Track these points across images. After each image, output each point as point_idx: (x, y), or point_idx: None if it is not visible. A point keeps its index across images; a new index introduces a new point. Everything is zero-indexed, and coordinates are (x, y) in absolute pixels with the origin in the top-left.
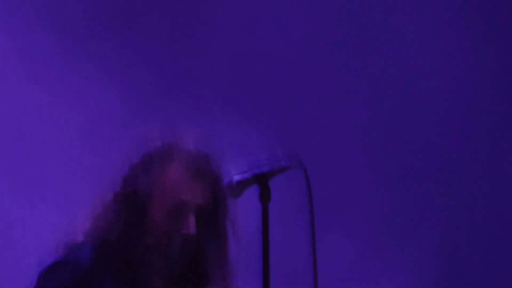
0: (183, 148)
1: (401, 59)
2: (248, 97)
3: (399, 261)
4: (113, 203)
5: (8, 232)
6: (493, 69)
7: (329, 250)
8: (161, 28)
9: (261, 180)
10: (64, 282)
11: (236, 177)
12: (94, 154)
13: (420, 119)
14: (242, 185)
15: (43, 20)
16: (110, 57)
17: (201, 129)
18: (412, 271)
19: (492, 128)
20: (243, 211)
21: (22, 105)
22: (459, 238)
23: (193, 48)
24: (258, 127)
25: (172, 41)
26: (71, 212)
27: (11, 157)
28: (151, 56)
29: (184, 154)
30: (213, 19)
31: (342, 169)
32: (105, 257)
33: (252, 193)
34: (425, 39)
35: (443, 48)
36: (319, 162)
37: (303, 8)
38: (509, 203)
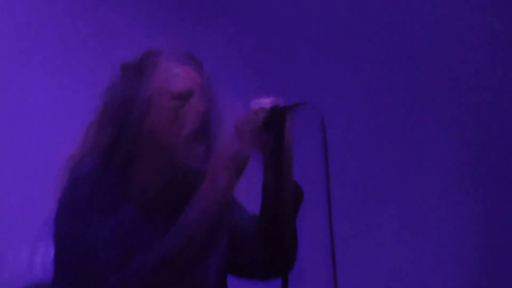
0: (167, 52)
1: None
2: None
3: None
4: (106, 115)
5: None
6: None
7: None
8: None
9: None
10: (88, 193)
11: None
12: None
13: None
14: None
15: None
16: None
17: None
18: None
19: None
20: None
21: None
22: None
23: None
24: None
25: None
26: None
27: None
28: None
29: (170, 54)
30: None
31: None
32: (107, 168)
33: None
34: None
35: None
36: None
37: None
38: None
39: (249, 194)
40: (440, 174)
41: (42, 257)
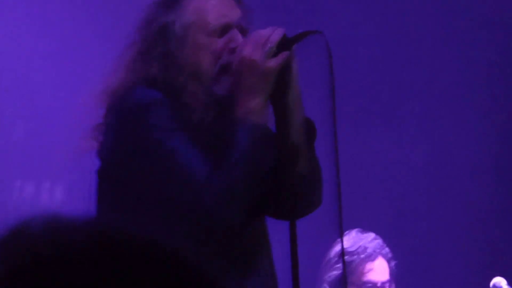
0: None
1: None
2: None
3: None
4: (147, 47)
5: None
6: None
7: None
8: None
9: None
10: (169, 115)
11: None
12: None
13: None
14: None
15: None
16: None
17: None
18: None
19: None
20: None
21: None
22: None
23: None
24: None
25: None
26: None
27: None
28: None
29: None
30: None
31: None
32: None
33: None
34: None
35: None
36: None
37: None
38: None
39: None
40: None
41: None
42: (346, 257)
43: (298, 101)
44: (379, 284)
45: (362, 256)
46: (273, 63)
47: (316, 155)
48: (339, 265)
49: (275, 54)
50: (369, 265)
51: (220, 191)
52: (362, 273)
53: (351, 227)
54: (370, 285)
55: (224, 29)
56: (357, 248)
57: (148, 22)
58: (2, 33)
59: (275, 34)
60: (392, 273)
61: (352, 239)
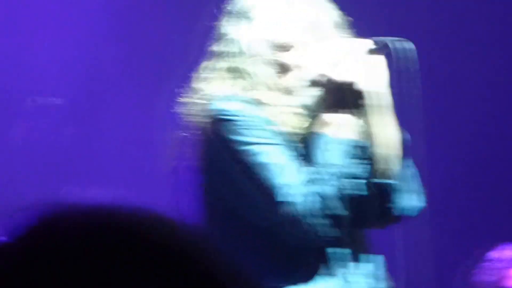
0: None
1: None
2: None
3: None
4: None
5: None
6: None
7: None
8: None
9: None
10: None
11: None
12: None
13: None
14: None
15: None
16: None
17: None
18: None
19: None
20: None
21: None
22: None
23: None
24: None
25: None
26: None
27: None
28: None
29: None
30: None
31: None
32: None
33: None
34: None
35: None
36: None
37: None
38: None
39: None
40: None
41: None
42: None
43: (389, 110)
44: None
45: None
46: (358, 76)
47: (409, 162)
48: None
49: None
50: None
51: (311, 206)
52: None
53: None
54: None
55: (295, 43)
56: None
57: (222, 36)
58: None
59: (360, 46)
60: None
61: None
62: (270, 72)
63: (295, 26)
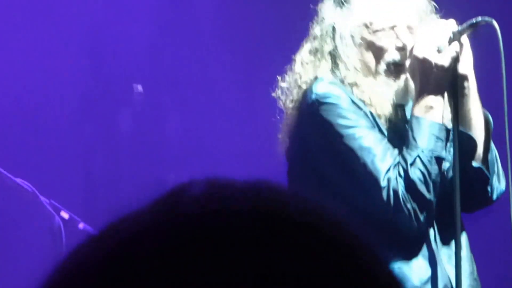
0: None
1: None
2: None
3: None
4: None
5: None
6: None
7: None
8: None
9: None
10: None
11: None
12: None
13: None
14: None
15: None
16: None
17: None
18: None
19: None
20: None
21: None
22: None
23: None
24: None
25: None
26: None
27: None
28: None
29: None
30: None
31: None
32: None
33: None
34: None
35: None
36: None
37: None
38: None
39: None
40: None
41: None
42: None
43: (474, 93)
44: None
45: None
46: (445, 60)
47: (492, 148)
48: None
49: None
50: None
51: (403, 188)
52: None
53: None
54: None
55: (391, 27)
56: None
57: (319, 20)
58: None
59: (446, 29)
60: None
61: None
62: (363, 55)
63: (389, 10)
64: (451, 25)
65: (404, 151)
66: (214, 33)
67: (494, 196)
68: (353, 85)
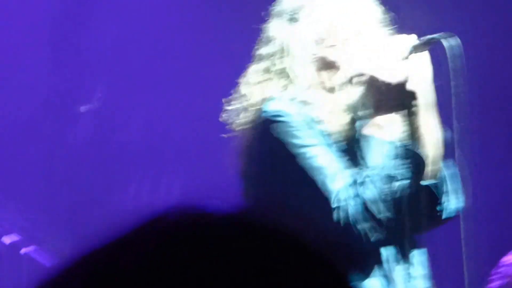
0: None
1: None
2: None
3: None
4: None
5: None
6: None
7: None
8: None
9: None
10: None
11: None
12: None
13: None
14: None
15: None
16: None
17: None
18: None
19: None
20: None
21: None
22: None
23: None
24: None
25: None
26: None
27: None
28: None
29: None
30: None
31: None
32: None
33: None
34: None
35: None
36: None
37: None
38: None
39: None
40: None
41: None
42: None
43: (427, 110)
44: None
45: None
46: (398, 77)
47: (451, 162)
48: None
49: (407, 59)
50: None
51: (353, 209)
52: None
53: None
54: None
55: (344, 42)
56: None
57: (267, 39)
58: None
59: (402, 45)
60: None
61: None
62: (316, 72)
63: (340, 24)
64: (409, 39)
65: (356, 169)
66: (158, 50)
67: (447, 215)
68: (305, 103)
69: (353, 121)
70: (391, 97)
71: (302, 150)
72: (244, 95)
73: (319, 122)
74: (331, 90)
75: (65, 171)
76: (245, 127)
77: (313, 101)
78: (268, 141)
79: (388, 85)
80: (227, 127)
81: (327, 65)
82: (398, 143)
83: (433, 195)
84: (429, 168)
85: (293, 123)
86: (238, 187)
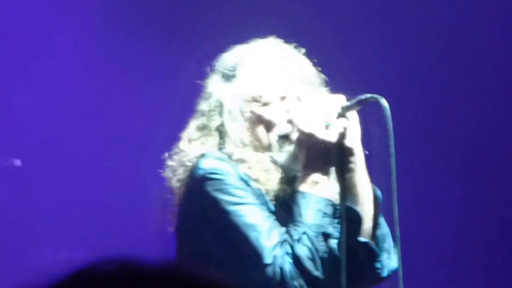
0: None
1: None
2: None
3: None
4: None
5: None
6: None
7: None
8: None
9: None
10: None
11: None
12: None
13: None
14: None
15: None
16: None
17: None
18: None
19: None
20: None
21: None
22: None
23: None
24: None
25: None
26: None
27: None
28: None
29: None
30: None
31: None
32: None
33: None
34: None
35: None
36: None
37: None
38: None
39: None
40: None
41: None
42: None
43: (361, 168)
44: None
45: None
46: (331, 135)
47: (382, 225)
48: None
49: (338, 118)
50: None
51: (289, 265)
52: None
53: None
54: None
55: (281, 99)
56: None
57: (207, 96)
58: None
59: (334, 104)
60: None
61: None
62: (250, 130)
63: (278, 82)
64: (340, 100)
65: (291, 226)
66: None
67: (385, 274)
68: (240, 161)
69: (288, 178)
70: (325, 156)
71: (236, 207)
72: (182, 151)
73: (254, 180)
74: (266, 148)
75: None
76: (181, 183)
77: (248, 159)
78: (203, 197)
79: (321, 144)
80: (166, 183)
81: (262, 123)
82: (335, 201)
83: (372, 251)
84: (367, 226)
85: (228, 181)
86: (172, 242)
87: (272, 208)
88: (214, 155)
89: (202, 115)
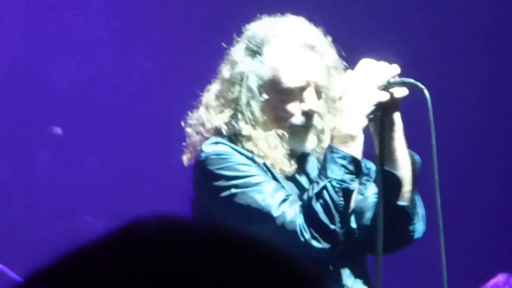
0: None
1: None
2: None
3: None
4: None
5: None
6: None
7: None
8: None
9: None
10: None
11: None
12: None
13: None
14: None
15: None
16: None
17: None
18: None
19: None
20: None
21: None
22: None
23: None
24: None
25: None
26: None
27: None
28: None
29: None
30: None
31: None
32: None
33: None
34: None
35: None
36: None
37: None
38: None
39: None
40: None
41: None
42: None
43: (400, 135)
44: None
45: None
46: (381, 95)
47: (416, 189)
48: None
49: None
50: None
51: (295, 222)
52: None
53: None
54: None
55: (300, 89)
56: None
57: (231, 63)
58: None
59: (389, 71)
60: None
61: None
62: (263, 111)
63: (301, 70)
64: (395, 69)
65: (315, 179)
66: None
67: (416, 236)
68: (247, 138)
69: (297, 155)
70: (365, 114)
71: (241, 180)
72: (198, 118)
73: (260, 156)
74: (280, 129)
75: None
76: (191, 161)
77: (256, 136)
78: (208, 176)
79: (367, 101)
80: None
81: (277, 110)
82: (356, 160)
83: (407, 215)
84: (404, 190)
85: (230, 159)
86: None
87: (280, 180)
88: (216, 140)
89: (223, 83)
